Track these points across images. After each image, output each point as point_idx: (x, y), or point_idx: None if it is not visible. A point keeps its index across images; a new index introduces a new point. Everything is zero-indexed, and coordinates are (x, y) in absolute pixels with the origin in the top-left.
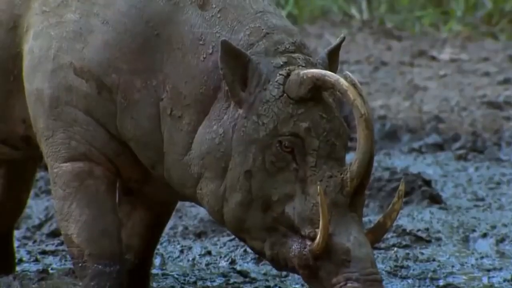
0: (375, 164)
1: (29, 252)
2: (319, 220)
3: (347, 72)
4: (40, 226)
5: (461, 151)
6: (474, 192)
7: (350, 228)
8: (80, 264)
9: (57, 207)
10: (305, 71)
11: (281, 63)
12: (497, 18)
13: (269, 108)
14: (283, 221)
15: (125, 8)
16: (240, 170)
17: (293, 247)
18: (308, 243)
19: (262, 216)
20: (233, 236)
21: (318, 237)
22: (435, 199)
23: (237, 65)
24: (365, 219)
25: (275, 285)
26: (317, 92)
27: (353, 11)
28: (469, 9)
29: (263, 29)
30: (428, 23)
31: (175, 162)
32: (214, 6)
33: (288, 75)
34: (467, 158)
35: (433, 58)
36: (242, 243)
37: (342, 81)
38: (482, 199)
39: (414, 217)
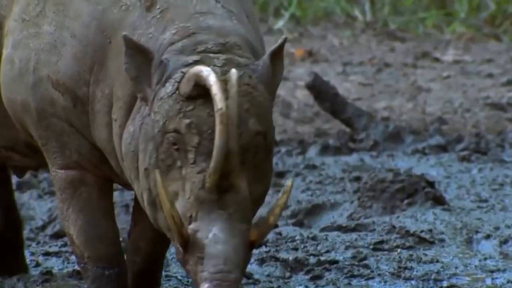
0: (378, 165)
1: (32, 254)
2: (190, 217)
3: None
4: (43, 227)
5: (465, 153)
6: (478, 194)
7: (213, 225)
8: (82, 265)
9: (58, 207)
10: (191, 68)
11: (190, 61)
12: (500, 20)
13: (161, 105)
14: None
15: (87, 20)
16: (141, 169)
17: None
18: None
19: (163, 216)
20: None
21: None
22: (438, 200)
23: (142, 61)
24: (368, 220)
25: (279, 286)
26: (205, 89)
27: (356, 12)
28: (473, 11)
29: (190, 29)
30: (432, 25)
31: (121, 167)
32: (158, 7)
33: None
34: (470, 160)
35: (437, 60)
36: None
37: (212, 77)
38: (486, 201)
39: (418, 218)
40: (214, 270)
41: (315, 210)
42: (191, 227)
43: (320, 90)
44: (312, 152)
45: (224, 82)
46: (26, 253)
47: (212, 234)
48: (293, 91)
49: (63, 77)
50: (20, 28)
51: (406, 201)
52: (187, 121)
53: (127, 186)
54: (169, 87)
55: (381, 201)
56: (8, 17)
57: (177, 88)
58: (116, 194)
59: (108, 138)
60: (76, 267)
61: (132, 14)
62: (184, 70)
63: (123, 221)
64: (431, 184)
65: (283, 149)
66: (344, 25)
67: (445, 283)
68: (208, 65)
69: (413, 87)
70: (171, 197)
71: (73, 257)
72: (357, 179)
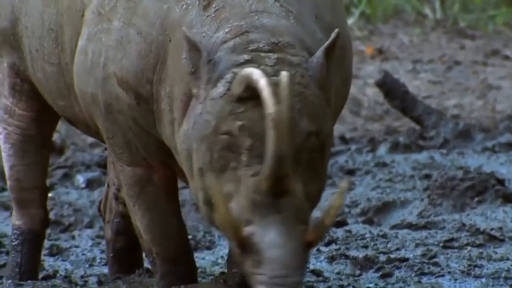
0: (448, 163)
1: (102, 251)
2: (246, 219)
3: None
4: None
5: None
6: None
7: (269, 229)
8: (150, 259)
9: (125, 199)
10: (243, 70)
11: (242, 61)
12: None
13: (213, 105)
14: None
15: (153, 19)
16: (196, 168)
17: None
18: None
19: (219, 215)
20: None
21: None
22: (508, 198)
23: (197, 58)
24: (438, 218)
25: (349, 284)
26: (257, 91)
27: (427, 10)
28: None
29: (243, 28)
30: (502, 22)
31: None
32: (214, 6)
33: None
34: None
35: (507, 57)
36: None
37: (262, 80)
38: None
39: (488, 216)
40: (271, 275)
41: (385, 208)
42: (247, 230)
43: (390, 88)
44: (382, 149)
45: (275, 85)
46: (97, 251)
47: (269, 238)
48: (363, 88)
49: (127, 75)
50: (96, 21)
51: (476, 199)
52: (239, 123)
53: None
54: (220, 88)
55: (451, 199)
56: (88, 9)
57: (229, 89)
58: (186, 191)
59: (171, 135)
60: (147, 266)
61: (190, 13)
62: (235, 70)
63: (193, 219)
64: (501, 181)
65: (353, 147)
66: (414, 23)
67: None
68: (259, 65)
69: (483, 85)
70: (226, 198)
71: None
72: (427, 176)
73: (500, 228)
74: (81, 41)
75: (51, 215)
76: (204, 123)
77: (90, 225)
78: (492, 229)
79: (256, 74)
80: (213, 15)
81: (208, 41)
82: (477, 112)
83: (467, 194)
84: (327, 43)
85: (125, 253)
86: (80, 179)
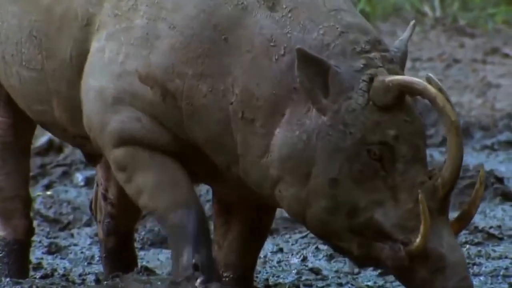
0: None
1: None
2: (411, 226)
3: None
4: None
5: None
6: None
7: (442, 233)
8: (168, 227)
9: (127, 191)
10: (391, 78)
11: (361, 66)
12: None
13: (356, 117)
14: (371, 226)
15: (194, 12)
16: (324, 177)
17: (385, 249)
18: (401, 246)
19: (347, 221)
20: (305, 234)
21: (418, 240)
22: (507, 196)
23: (315, 72)
24: None
25: (347, 282)
26: (401, 98)
27: (426, 8)
28: None
29: (337, 28)
30: (501, 21)
31: (253, 165)
32: (284, 6)
33: (371, 80)
34: None
35: (506, 56)
36: (314, 241)
37: (430, 88)
38: None
39: (486, 214)
40: (461, 277)
41: None
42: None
43: None
44: None
45: (440, 91)
46: (95, 249)
47: (446, 241)
48: None
49: (154, 70)
50: (113, 22)
51: None
52: (392, 132)
53: (208, 180)
54: (359, 98)
55: (451, 197)
56: (99, 14)
57: (369, 99)
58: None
59: (219, 133)
60: (145, 263)
61: (253, 14)
62: (364, 78)
63: None
64: (500, 180)
65: None
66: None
67: None
68: (375, 67)
69: (482, 83)
70: (370, 206)
71: (142, 253)
72: None
73: (499, 226)
74: (98, 43)
75: (50, 213)
76: (339, 135)
77: (88, 223)
78: (491, 227)
79: (418, 83)
80: (289, 15)
81: (300, 43)
82: (476, 110)
83: (466, 192)
84: (406, 35)
85: (118, 253)
86: (79, 177)
